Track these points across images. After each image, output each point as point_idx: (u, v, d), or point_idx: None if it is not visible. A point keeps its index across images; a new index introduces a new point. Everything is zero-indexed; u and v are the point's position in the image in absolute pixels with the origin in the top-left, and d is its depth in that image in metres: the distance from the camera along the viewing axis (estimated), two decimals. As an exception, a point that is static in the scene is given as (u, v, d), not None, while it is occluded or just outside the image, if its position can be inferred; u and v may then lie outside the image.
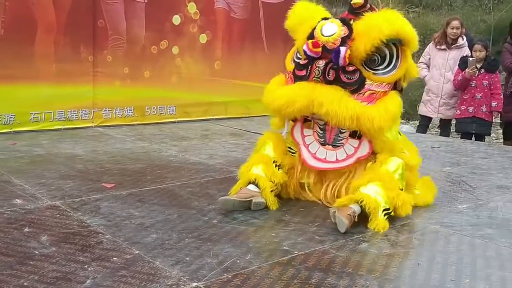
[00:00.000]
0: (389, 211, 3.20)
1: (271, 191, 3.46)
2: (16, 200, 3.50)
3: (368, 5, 3.57)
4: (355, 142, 3.47)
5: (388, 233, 3.08)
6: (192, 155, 5.07)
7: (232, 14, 7.44)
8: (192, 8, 7.05)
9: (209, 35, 7.28)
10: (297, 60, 3.57)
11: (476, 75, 6.63)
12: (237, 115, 7.44)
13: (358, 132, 3.42)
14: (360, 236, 3.03)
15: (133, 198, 3.64)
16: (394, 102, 3.39)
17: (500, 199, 3.86)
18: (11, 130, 5.89)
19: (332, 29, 3.36)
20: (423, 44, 7.98)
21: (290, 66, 3.65)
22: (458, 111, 6.87)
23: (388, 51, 3.42)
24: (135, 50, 6.71)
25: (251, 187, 3.46)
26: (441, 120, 7.35)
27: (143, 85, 6.81)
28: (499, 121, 8.16)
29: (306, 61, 3.43)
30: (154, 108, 6.95)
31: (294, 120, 3.65)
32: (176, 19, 6.96)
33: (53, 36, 6.08)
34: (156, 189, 3.89)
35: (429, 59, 7.24)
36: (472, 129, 6.80)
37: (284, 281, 2.43)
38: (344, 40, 3.32)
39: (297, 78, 3.47)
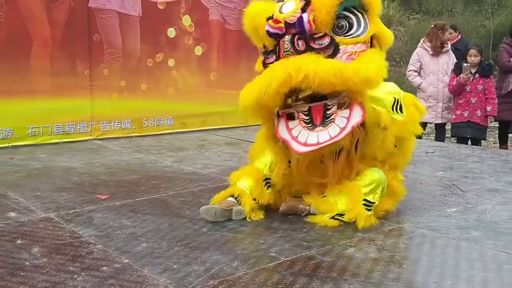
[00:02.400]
0: (343, 216, 3.34)
1: (252, 208, 3.47)
2: (10, 213, 3.56)
3: None
4: (345, 112, 3.23)
5: (375, 238, 3.12)
6: (187, 165, 5.12)
7: (226, 25, 7.53)
8: (186, 20, 7.14)
9: (204, 47, 7.37)
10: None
11: (471, 80, 6.67)
12: (234, 125, 7.49)
13: (346, 102, 3.22)
14: (348, 241, 3.07)
15: (126, 208, 3.70)
16: (377, 54, 3.30)
17: (489, 202, 3.89)
18: (9, 144, 5.96)
19: (289, 6, 3.25)
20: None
21: (260, 66, 3.46)
22: (453, 116, 6.90)
23: (354, 17, 3.29)
24: (131, 63, 6.80)
25: (232, 199, 3.50)
26: (436, 125, 7.38)
27: (140, 97, 6.89)
28: (497, 125, 8.19)
29: (272, 47, 3.31)
30: (152, 120, 7.02)
31: (278, 117, 3.38)
32: (171, 32, 7.05)
33: (49, 51, 6.18)
34: (149, 199, 3.94)
35: (420, 66, 7.26)
36: (468, 133, 6.83)
37: (269, 286, 2.47)
38: (304, 9, 3.20)
39: (267, 66, 3.29)
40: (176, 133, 7.12)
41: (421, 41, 7.37)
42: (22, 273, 2.60)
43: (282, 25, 3.20)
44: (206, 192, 4.12)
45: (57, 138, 6.29)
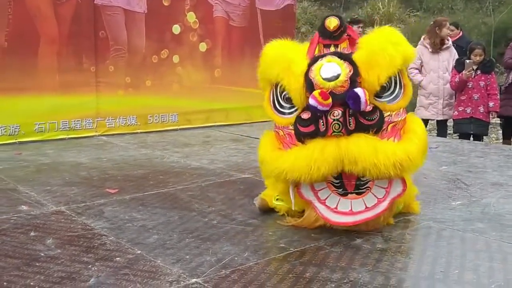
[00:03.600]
0: None
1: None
2: (22, 206, 3.62)
3: (344, 24, 3.13)
4: (384, 182, 3.00)
5: (382, 229, 3.17)
6: (194, 161, 5.18)
7: (231, 22, 7.58)
8: (191, 17, 7.19)
9: (209, 44, 7.42)
10: (285, 110, 3.13)
11: (473, 77, 6.72)
12: (238, 121, 7.55)
13: None
14: (355, 233, 3.11)
15: (136, 202, 3.75)
16: (419, 125, 3.16)
17: (493, 196, 3.95)
18: (17, 140, 6.01)
19: (333, 70, 2.88)
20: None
21: (280, 118, 3.16)
22: (455, 112, 6.95)
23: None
24: (136, 60, 6.85)
25: None
26: (437, 121, 7.43)
27: (145, 94, 6.94)
28: (499, 121, 8.26)
29: (309, 114, 2.92)
30: (156, 116, 7.07)
31: None
32: (176, 29, 7.10)
33: (56, 47, 6.23)
34: (158, 193, 4.00)
35: (420, 63, 7.30)
36: (471, 129, 6.88)
37: (280, 275, 2.53)
38: (354, 80, 2.87)
39: (303, 136, 2.97)
40: (180, 129, 7.17)
41: (422, 38, 7.41)
42: (37, 264, 2.66)
43: (330, 101, 2.82)
44: (214, 186, 4.19)
45: (63, 134, 6.34)
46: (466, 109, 6.80)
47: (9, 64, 5.93)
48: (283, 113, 3.14)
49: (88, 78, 6.49)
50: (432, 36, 7.17)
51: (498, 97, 6.80)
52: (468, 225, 3.27)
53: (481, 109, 6.76)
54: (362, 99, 2.80)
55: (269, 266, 2.64)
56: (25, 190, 4.03)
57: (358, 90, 2.81)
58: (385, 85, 2.98)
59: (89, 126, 6.54)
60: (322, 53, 3.07)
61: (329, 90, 2.84)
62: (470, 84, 6.74)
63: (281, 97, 3.14)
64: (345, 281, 2.47)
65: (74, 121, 6.42)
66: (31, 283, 2.44)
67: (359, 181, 2.99)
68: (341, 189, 3.03)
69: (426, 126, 7.55)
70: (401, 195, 3.08)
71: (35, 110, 6.13)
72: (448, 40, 7.20)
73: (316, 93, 2.82)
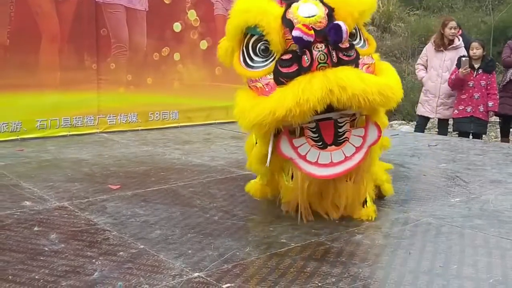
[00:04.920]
0: None
1: None
2: (25, 202, 3.65)
3: None
4: (360, 131, 3.08)
5: (382, 226, 3.21)
6: (195, 158, 5.22)
7: (231, 20, 7.58)
8: (192, 15, 7.23)
9: (210, 41, 7.44)
10: (258, 64, 3.07)
11: (474, 76, 6.75)
12: (239, 119, 7.57)
13: (356, 119, 3.10)
14: (355, 228, 3.15)
15: (138, 198, 3.79)
16: (388, 67, 3.22)
17: (492, 193, 3.98)
18: (18, 137, 6.05)
19: (311, 10, 2.92)
20: (425, 45, 8.11)
21: (255, 72, 3.08)
22: (456, 111, 6.98)
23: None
24: (138, 58, 6.89)
25: None
26: (438, 120, 7.47)
27: (146, 91, 6.98)
28: (498, 120, 8.30)
29: (290, 55, 2.92)
30: (157, 113, 7.11)
31: (276, 135, 3.09)
32: (177, 27, 7.14)
33: (57, 45, 6.27)
34: (160, 189, 4.03)
35: (426, 60, 7.37)
36: (471, 128, 6.91)
37: (281, 270, 2.56)
38: (331, 15, 2.94)
39: (285, 76, 2.92)
40: (181, 126, 7.21)
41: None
42: (42, 258, 2.69)
43: (313, 32, 2.83)
44: (215, 183, 4.22)
45: (65, 131, 6.38)
46: (466, 108, 6.83)
47: (11, 61, 5.97)
48: (258, 67, 3.07)
49: (90, 76, 6.54)
50: (437, 35, 7.24)
51: (498, 97, 6.84)
52: (467, 222, 3.30)
53: (481, 108, 6.79)
54: (343, 28, 2.84)
55: (270, 260, 2.67)
56: (27, 186, 4.06)
57: (339, 21, 2.87)
58: (354, 31, 3.07)
59: (91, 123, 6.58)
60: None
61: (310, 25, 2.86)
62: (471, 83, 6.77)
63: (254, 53, 3.10)
64: (345, 275, 2.50)
65: (76, 118, 6.46)
66: (36, 277, 2.47)
67: (336, 132, 3.03)
68: (320, 143, 3.05)
69: (426, 124, 7.65)
70: (377, 141, 3.14)
71: (36, 107, 6.17)
72: (458, 40, 7.20)
73: (299, 25, 2.84)
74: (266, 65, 3.05)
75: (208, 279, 2.46)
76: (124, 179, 4.34)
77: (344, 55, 2.91)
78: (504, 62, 7.30)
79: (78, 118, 6.47)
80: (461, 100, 6.89)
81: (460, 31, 8.16)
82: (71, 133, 6.39)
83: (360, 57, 3.03)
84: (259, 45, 3.07)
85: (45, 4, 6.14)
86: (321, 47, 2.87)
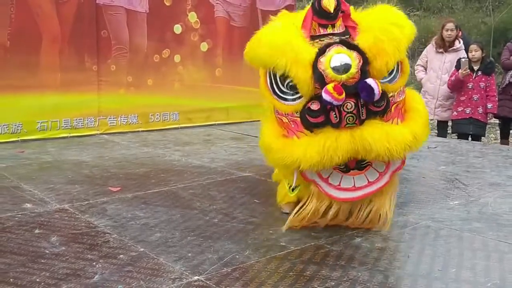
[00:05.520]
0: None
1: None
2: (26, 204, 3.67)
3: (340, 2, 3.06)
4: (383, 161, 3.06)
5: (381, 229, 3.23)
6: (195, 159, 5.23)
7: (232, 22, 7.62)
8: (192, 17, 7.24)
9: (210, 43, 7.46)
10: (288, 97, 3.04)
11: (473, 77, 6.77)
12: (238, 120, 7.59)
13: None
14: (354, 231, 3.17)
15: (138, 200, 3.80)
16: (419, 102, 3.22)
17: (491, 196, 3.99)
18: (19, 139, 6.06)
19: (342, 60, 2.84)
20: (425, 47, 8.13)
21: (283, 105, 3.07)
22: (455, 113, 6.98)
23: None
24: (138, 59, 6.89)
25: None
26: (438, 121, 7.48)
27: (147, 93, 6.98)
28: (497, 121, 8.31)
29: (319, 105, 2.88)
30: (157, 115, 7.11)
31: None
32: (177, 28, 7.14)
33: (58, 46, 6.27)
34: (160, 191, 4.04)
35: (427, 61, 7.39)
36: (470, 130, 6.92)
37: (281, 273, 2.58)
38: (364, 70, 2.86)
39: (311, 126, 2.94)
40: (181, 128, 7.22)
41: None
42: (42, 261, 2.71)
43: (344, 95, 2.79)
44: (215, 185, 4.24)
45: (65, 132, 6.38)
46: (465, 109, 6.84)
47: (11, 63, 5.97)
48: (286, 100, 3.06)
49: (90, 77, 6.54)
50: (438, 36, 7.27)
51: (497, 98, 6.85)
52: (466, 225, 3.32)
53: (480, 110, 6.80)
54: (376, 90, 2.80)
55: (269, 264, 2.69)
56: (28, 188, 4.08)
57: (371, 82, 2.81)
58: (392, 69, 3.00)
59: (91, 124, 6.58)
60: (319, 33, 3.04)
61: (341, 82, 2.81)
62: (470, 85, 6.78)
63: (282, 84, 3.06)
64: (344, 279, 2.52)
65: (76, 119, 6.46)
66: (37, 280, 2.49)
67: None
68: (342, 166, 3.03)
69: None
70: (401, 168, 3.15)
71: (37, 109, 6.17)
72: (459, 42, 7.21)
73: (330, 87, 2.78)
74: (294, 100, 3.03)
75: (208, 282, 2.47)
76: (124, 181, 4.36)
77: (374, 105, 2.89)
78: (503, 64, 7.32)
79: (79, 119, 6.48)
80: (460, 101, 6.90)
81: (460, 32, 8.18)
82: (71, 134, 6.40)
83: (389, 93, 2.99)
84: (287, 81, 3.02)
85: (45, 5, 6.14)
86: (350, 108, 2.85)
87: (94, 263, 2.68)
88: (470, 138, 6.97)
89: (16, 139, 6.05)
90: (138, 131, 6.88)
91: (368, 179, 3.08)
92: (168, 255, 2.79)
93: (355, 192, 3.09)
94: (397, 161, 3.10)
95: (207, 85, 7.48)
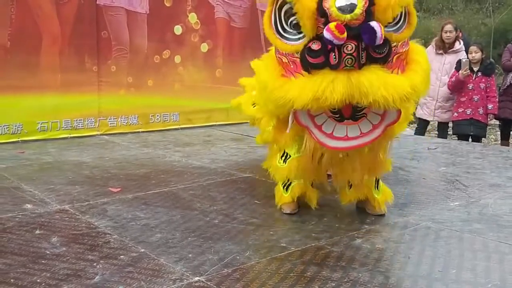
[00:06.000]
0: None
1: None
2: (27, 205, 3.67)
3: None
4: (379, 109, 3.00)
5: (381, 230, 3.23)
6: (195, 160, 5.23)
7: (232, 23, 7.63)
8: (193, 18, 7.25)
9: (210, 44, 7.47)
10: (290, 36, 2.97)
11: (473, 78, 6.78)
12: (239, 121, 7.58)
13: None
14: (355, 233, 3.17)
15: (138, 201, 3.80)
16: (422, 55, 3.09)
17: (491, 197, 3.99)
18: (19, 139, 6.06)
19: (349, 1, 2.74)
20: (425, 47, 8.13)
21: (284, 44, 2.99)
22: (455, 114, 6.99)
23: None
24: (138, 60, 6.90)
25: None
26: (438, 123, 7.49)
27: (147, 93, 6.99)
28: (497, 123, 8.32)
29: (320, 45, 2.80)
30: (158, 115, 7.12)
31: None
32: (178, 29, 7.15)
33: (58, 47, 6.28)
34: (160, 192, 4.04)
35: None
36: (470, 131, 6.93)
37: (281, 274, 2.58)
38: (369, 11, 2.75)
39: (310, 66, 2.87)
40: (181, 128, 7.23)
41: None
42: (43, 261, 2.71)
43: (345, 35, 2.72)
44: (215, 186, 4.24)
45: (66, 133, 6.39)
46: (466, 110, 6.86)
47: (11, 63, 5.97)
48: (288, 39, 2.98)
49: (90, 78, 6.54)
50: (438, 37, 7.29)
51: (497, 99, 6.86)
52: (466, 226, 3.32)
53: (481, 110, 6.82)
54: (378, 34, 2.72)
55: (270, 265, 2.69)
56: (29, 189, 4.08)
57: (374, 25, 2.72)
58: (397, 15, 2.90)
59: (91, 125, 6.59)
60: None
61: (344, 22, 2.72)
62: (471, 86, 6.80)
63: (286, 23, 2.98)
64: (345, 280, 2.52)
65: (76, 120, 6.46)
66: (38, 280, 2.49)
67: (355, 107, 2.95)
68: (337, 115, 3.01)
69: (426, 127, 7.66)
70: (396, 122, 3.09)
71: (37, 109, 6.17)
72: (459, 43, 7.22)
73: (332, 26, 2.69)
74: (296, 40, 2.96)
75: (209, 283, 2.47)
76: (124, 181, 4.36)
77: (375, 51, 2.80)
78: (504, 66, 7.33)
79: (79, 120, 6.49)
80: (460, 102, 6.91)
81: (461, 34, 8.20)
82: (71, 135, 6.40)
83: (394, 44, 2.90)
84: (291, 18, 2.95)
85: (46, 6, 6.15)
86: (351, 50, 2.77)
87: (94, 264, 2.68)
88: (470, 139, 6.98)
89: (17, 139, 6.05)
90: (138, 132, 6.89)
91: (361, 130, 3.04)
92: (169, 256, 2.79)
93: (347, 142, 3.06)
94: (392, 114, 3.05)
95: (207, 85, 7.49)
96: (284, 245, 2.97)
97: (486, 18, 17.52)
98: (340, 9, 2.73)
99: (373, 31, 2.71)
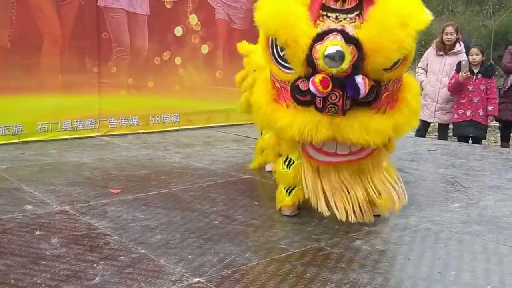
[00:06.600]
0: None
1: None
2: (27, 206, 3.67)
3: None
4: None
5: (381, 231, 3.24)
6: (195, 161, 5.24)
7: (232, 24, 7.64)
8: (193, 19, 7.26)
9: (211, 46, 7.48)
10: (286, 64, 3.01)
11: (473, 80, 6.78)
12: (239, 122, 7.60)
13: None
14: (355, 234, 3.18)
15: (139, 202, 3.81)
16: (412, 91, 3.13)
17: (491, 198, 4.00)
18: (19, 140, 6.07)
19: (337, 55, 2.74)
20: (425, 49, 8.15)
21: (280, 72, 3.08)
22: (455, 115, 7.00)
23: None
24: (139, 61, 6.91)
25: None
26: (439, 124, 7.49)
27: (147, 95, 7.00)
28: (498, 124, 8.32)
29: (307, 86, 2.86)
30: (158, 117, 7.12)
31: None
32: (178, 31, 7.16)
33: (59, 48, 6.28)
34: (161, 193, 4.05)
35: (427, 64, 7.40)
36: (470, 132, 6.93)
37: (281, 276, 2.58)
38: (357, 66, 2.77)
39: (299, 102, 2.98)
40: (182, 129, 7.23)
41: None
42: (43, 262, 2.71)
43: (330, 89, 2.80)
44: (215, 187, 4.24)
45: (66, 134, 6.40)
46: (466, 112, 6.86)
47: (12, 64, 5.98)
48: (282, 66, 3.06)
49: (91, 79, 6.55)
50: (439, 39, 7.30)
51: (497, 101, 6.87)
52: (466, 227, 3.32)
53: (481, 112, 6.82)
54: (362, 90, 2.79)
55: (270, 266, 2.69)
56: (29, 190, 4.08)
57: (359, 81, 2.77)
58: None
59: (92, 126, 6.59)
60: (329, 5, 2.96)
61: (331, 74, 2.77)
62: (471, 88, 6.80)
63: (281, 51, 3.02)
64: (345, 281, 2.53)
65: (77, 121, 6.47)
66: (38, 281, 2.49)
67: None
68: None
69: (427, 128, 7.66)
70: (385, 143, 3.18)
71: (38, 110, 6.18)
72: (460, 45, 7.22)
73: (317, 80, 2.78)
74: (289, 69, 3.02)
75: (208, 284, 2.48)
76: (125, 183, 4.36)
77: (361, 98, 2.86)
78: (504, 68, 7.33)
79: (79, 121, 6.49)
80: (460, 104, 6.91)
81: (461, 36, 8.20)
82: (72, 136, 6.41)
83: (383, 82, 2.93)
84: (284, 52, 2.99)
85: (46, 7, 6.15)
86: (335, 99, 2.86)
87: (94, 265, 2.68)
88: (470, 141, 6.98)
89: (17, 140, 6.06)
90: (139, 133, 6.90)
91: (350, 149, 3.16)
92: (169, 257, 2.79)
93: (336, 157, 3.19)
94: None
95: (207, 87, 7.50)
96: (284, 246, 2.97)
97: (487, 20, 17.53)
98: (329, 56, 2.74)
99: (357, 87, 2.79)
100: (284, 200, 3.52)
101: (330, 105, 2.88)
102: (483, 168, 5.07)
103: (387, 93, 2.99)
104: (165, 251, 2.88)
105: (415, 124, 3.25)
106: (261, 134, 4.70)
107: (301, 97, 2.95)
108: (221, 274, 2.59)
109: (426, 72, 7.40)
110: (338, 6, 2.97)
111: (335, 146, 3.16)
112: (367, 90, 2.81)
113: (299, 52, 2.84)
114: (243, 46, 4.75)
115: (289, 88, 3.03)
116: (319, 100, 2.89)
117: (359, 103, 2.90)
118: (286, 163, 3.50)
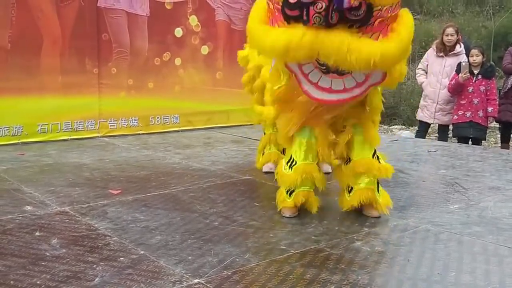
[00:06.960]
0: None
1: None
2: (27, 206, 3.67)
3: None
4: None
5: (381, 232, 3.24)
6: (195, 162, 5.24)
7: (232, 25, 7.65)
8: (193, 20, 7.26)
9: (211, 47, 7.49)
10: None
11: (473, 81, 6.78)
12: (239, 123, 7.61)
13: None
14: (354, 235, 3.18)
15: (139, 203, 3.81)
16: (407, 26, 2.99)
17: (491, 200, 4.00)
18: (19, 141, 6.07)
19: None
20: (425, 50, 8.16)
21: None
22: (455, 116, 7.00)
23: None
24: (139, 62, 6.91)
25: None
26: (439, 125, 7.50)
27: (147, 95, 7.00)
28: (497, 125, 8.33)
29: None
30: (158, 117, 7.13)
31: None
32: (178, 32, 7.17)
33: (59, 49, 6.29)
34: (160, 194, 4.05)
35: (427, 65, 7.40)
36: (470, 133, 6.93)
37: (281, 277, 2.58)
38: None
39: (288, 18, 2.90)
40: (182, 130, 7.24)
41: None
42: (43, 263, 2.71)
43: None
44: (215, 188, 4.24)
45: (66, 135, 6.40)
46: (466, 113, 6.86)
47: (12, 65, 5.98)
48: None
49: (91, 80, 6.55)
50: (439, 40, 7.30)
51: (497, 102, 6.87)
52: (466, 229, 3.33)
53: (481, 113, 6.82)
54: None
55: (270, 267, 2.69)
56: (29, 191, 4.09)
57: None
58: None
59: (92, 127, 6.60)
60: None
61: None
62: (471, 89, 6.80)
63: None
64: (344, 282, 2.53)
65: (77, 122, 6.47)
66: (38, 282, 2.49)
67: None
68: (324, 67, 3.04)
69: (427, 129, 7.66)
70: (380, 83, 3.17)
71: (38, 111, 6.18)
72: (460, 46, 7.22)
73: None
74: None
75: (208, 285, 2.48)
76: (125, 183, 4.36)
77: (350, 13, 2.76)
78: (505, 69, 7.33)
79: (79, 122, 6.49)
80: (460, 105, 6.91)
81: (460, 37, 8.20)
82: (72, 137, 6.41)
83: (376, 8, 2.81)
84: None
85: (46, 7, 6.15)
86: (320, 8, 2.74)
87: (94, 266, 2.68)
88: (470, 142, 6.98)
89: (17, 141, 6.06)
90: (139, 134, 6.90)
91: (344, 85, 3.11)
92: (169, 258, 2.79)
93: (330, 95, 3.14)
94: (377, 75, 3.10)
95: (207, 88, 7.51)
96: (284, 247, 2.97)
97: (487, 21, 17.51)
98: None
99: None
100: (285, 201, 3.52)
101: (315, 15, 2.76)
102: (483, 169, 5.07)
103: (380, 19, 2.87)
104: (165, 252, 2.88)
105: (404, 55, 3.08)
106: (264, 133, 4.73)
107: (289, 11, 2.85)
108: (221, 275, 2.59)
109: (426, 73, 7.40)
110: None
111: (330, 82, 3.11)
112: (352, 2, 2.70)
113: None
114: (242, 57, 5.07)
115: (280, 8, 2.94)
116: (305, 11, 2.78)
117: (347, 19, 2.79)
118: (289, 164, 3.51)
